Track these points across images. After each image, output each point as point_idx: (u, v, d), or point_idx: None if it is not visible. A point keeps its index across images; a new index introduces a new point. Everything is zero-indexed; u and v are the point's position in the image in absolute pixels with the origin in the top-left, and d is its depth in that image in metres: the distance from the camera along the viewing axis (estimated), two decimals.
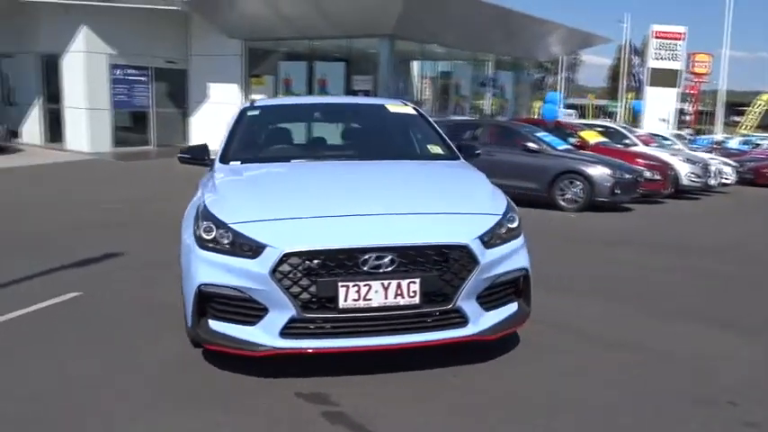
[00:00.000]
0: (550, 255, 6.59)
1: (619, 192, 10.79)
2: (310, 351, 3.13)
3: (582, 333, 4.16)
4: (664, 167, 13.03)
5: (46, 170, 14.09)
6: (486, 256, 3.26)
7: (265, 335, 3.11)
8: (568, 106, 49.54)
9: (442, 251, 3.16)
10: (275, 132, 4.86)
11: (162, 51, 17.95)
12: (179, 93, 18.85)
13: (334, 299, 3.04)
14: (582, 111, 52.32)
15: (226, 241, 3.17)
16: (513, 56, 20.46)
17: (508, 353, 3.69)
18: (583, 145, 13.20)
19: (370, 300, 3.05)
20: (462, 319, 3.27)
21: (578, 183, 10.79)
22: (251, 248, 3.08)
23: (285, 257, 3.02)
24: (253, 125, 4.78)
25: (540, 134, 11.84)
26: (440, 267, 3.15)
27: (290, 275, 3.02)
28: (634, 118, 36.58)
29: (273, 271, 3.01)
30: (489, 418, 2.95)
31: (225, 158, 4.27)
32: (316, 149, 4.56)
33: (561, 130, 13.94)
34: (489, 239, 3.33)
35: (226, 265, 3.13)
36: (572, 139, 13.39)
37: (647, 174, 12.37)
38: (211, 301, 3.22)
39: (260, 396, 3.12)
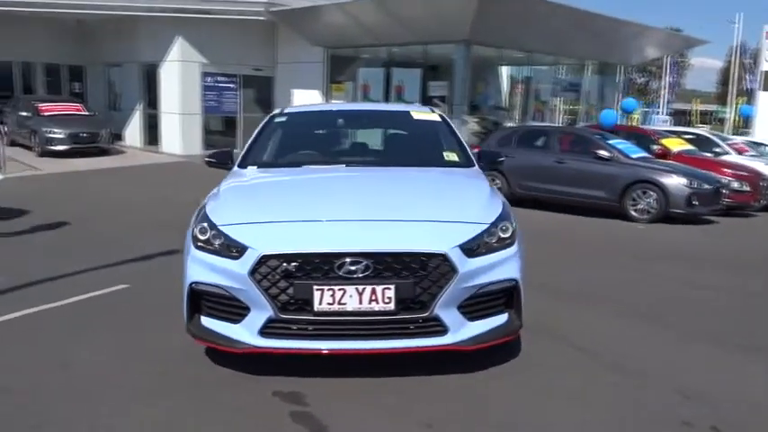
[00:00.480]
0: (587, 264, 6.39)
1: (696, 203, 10.20)
2: (287, 351, 3.25)
3: (585, 351, 4.03)
4: (755, 178, 12.17)
5: (139, 171, 15.12)
6: (467, 265, 3.26)
7: (247, 333, 3.27)
8: (675, 113, 47.02)
9: (420, 259, 3.19)
10: (297, 138, 5.03)
11: (250, 59, 18.77)
12: (265, 98, 19.60)
13: (310, 302, 3.14)
14: (688, 117, 49.49)
15: (217, 242, 3.36)
16: (599, 60, 19.75)
17: (499, 366, 3.66)
18: (664, 153, 12.59)
19: (344, 304, 3.14)
20: (441, 328, 3.28)
21: (651, 193, 10.30)
22: (235, 249, 3.25)
23: (264, 259, 3.16)
24: (278, 131, 4.99)
25: (613, 141, 11.40)
26: (417, 275, 3.18)
27: (269, 277, 3.16)
28: (745, 124, 34.18)
29: (252, 272, 3.16)
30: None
31: (244, 163, 4.49)
32: (331, 155, 4.70)
33: (644, 138, 13.37)
34: (473, 248, 3.32)
35: (214, 265, 3.32)
36: (655, 147, 12.81)
37: (735, 184, 11.64)
38: (203, 299, 3.42)
39: (239, 391, 3.29)
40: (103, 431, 2.92)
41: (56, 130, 16.17)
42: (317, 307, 3.15)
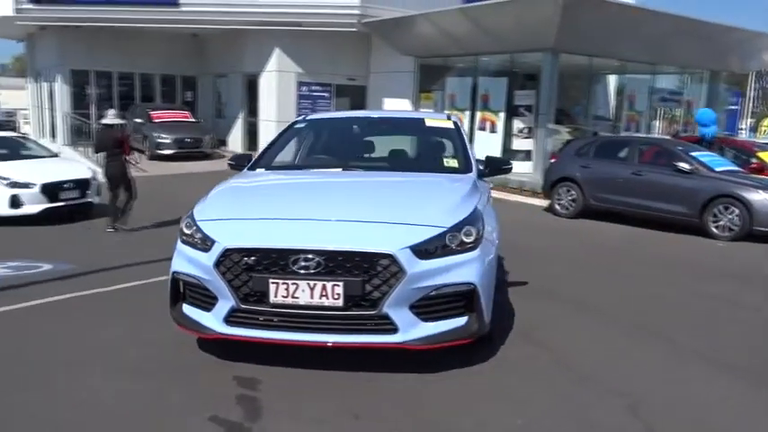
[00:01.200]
0: (639, 281, 6.14)
1: None
2: (247, 339, 3.48)
3: (560, 363, 3.93)
4: None
5: None
6: (418, 266, 3.34)
7: (215, 321, 3.54)
8: None
9: (370, 258, 3.32)
10: (310, 143, 5.28)
11: (343, 69, 19.43)
12: (358, 107, 20.16)
13: (267, 294, 3.36)
14: None
15: (197, 236, 3.66)
16: (705, 68, 18.56)
17: (466, 367, 3.68)
18: (760, 167, 11.70)
19: (297, 298, 3.33)
20: (391, 326, 3.38)
21: (734, 209, 9.62)
22: (207, 243, 3.53)
23: (227, 252, 3.42)
24: (294, 136, 5.27)
25: (697, 153, 10.74)
26: (366, 274, 3.31)
27: (232, 269, 3.41)
28: None
29: (217, 264, 3.43)
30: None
31: (254, 165, 4.80)
32: (336, 160, 4.89)
33: (742, 151, 12.51)
34: (426, 250, 3.40)
35: (191, 257, 3.62)
36: (752, 161, 11.96)
37: None
38: (185, 288, 3.73)
39: (209, 373, 3.56)
40: (87, 393, 3.29)
41: (164, 136, 17.59)
42: (272, 299, 3.36)
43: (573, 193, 11.28)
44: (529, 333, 4.35)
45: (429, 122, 5.17)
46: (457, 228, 3.55)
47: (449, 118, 5.19)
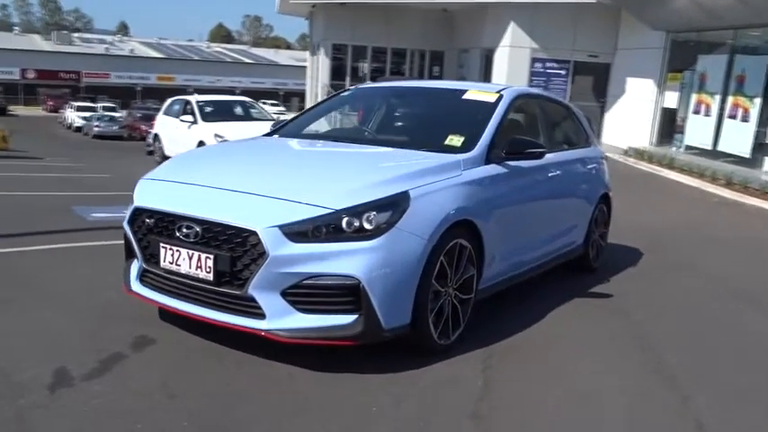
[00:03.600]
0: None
1: None
2: (147, 300, 3.43)
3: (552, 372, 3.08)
4: None
5: None
6: (285, 248, 2.95)
7: (133, 278, 3.58)
8: None
9: (240, 234, 3.03)
10: (344, 113, 4.96)
11: (585, 45, 17.91)
12: (598, 86, 18.49)
13: (158, 258, 3.29)
14: None
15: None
16: None
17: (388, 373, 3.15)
18: None
19: (179, 266, 3.19)
20: (259, 311, 3.06)
21: None
22: (131, 200, 3.56)
23: (136, 212, 3.41)
24: (339, 105, 5.01)
25: None
26: (235, 250, 3.04)
27: (140, 229, 3.40)
28: None
29: (130, 222, 3.45)
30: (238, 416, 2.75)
31: (276, 131, 4.69)
32: (344, 133, 4.51)
33: None
34: (302, 232, 2.98)
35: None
36: None
37: None
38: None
39: (131, 324, 3.56)
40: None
41: None
42: (162, 263, 3.27)
43: None
44: None
45: (468, 95, 4.46)
46: (355, 211, 3.02)
47: (498, 92, 4.41)
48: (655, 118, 16.61)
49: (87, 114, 37.14)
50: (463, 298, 3.59)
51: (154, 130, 14.95)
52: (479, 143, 3.90)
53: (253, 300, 3.04)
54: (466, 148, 3.87)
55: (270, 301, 3.02)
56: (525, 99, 4.80)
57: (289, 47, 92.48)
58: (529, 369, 3.40)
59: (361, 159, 3.80)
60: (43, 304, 3.87)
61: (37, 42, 63.67)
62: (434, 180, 3.41)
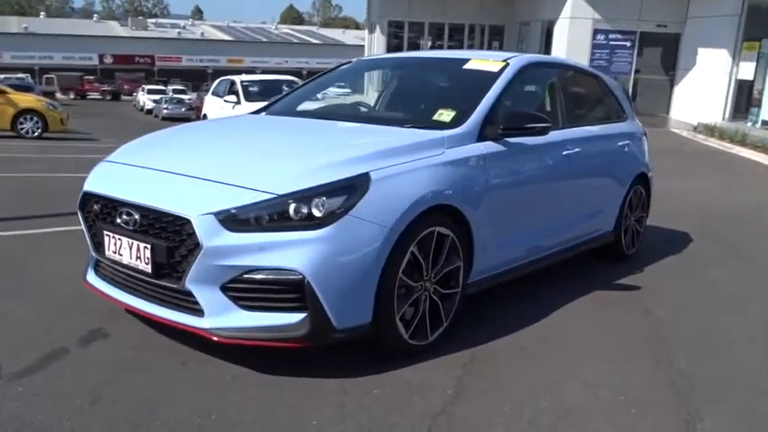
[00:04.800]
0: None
1: None
2: (99, 294, 3.19)
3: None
4: None
5: None
6: (221, 238, 2.62)
7: (91, 267, 3.35)
8: None
9: (175, 222, 2.73)
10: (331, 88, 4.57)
11: (653, 14, 16.70)
12: (667, 59, 17.26)
13: (103, 246, 3.04)
14: None
15: None
16: None
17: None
18: None
19: (121, 255, 2.94)
20: (198, 307, 2.76)
21: None
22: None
23: (86, 197, 3.16)
24: (332, 78, 4.62)
25: None
26: (172, 239, 2.74)
27: (89, 215, 3.15)
28: None
29: (81, 207, 3.20)
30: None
31: (265, 108, 4.37)
32: (333, 108, 4.11)
33: None
34: (239, 220, 2.64)
35: None
36: None
37: None
38: None
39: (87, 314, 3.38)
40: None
41: None
42: (107, 253, 3.02)
43: None
44: None
45: (470, 65, 3.97)
46: (302, 196, 2.66)
47: (505, 61, 3.91)
48: (728, 91, 15.35)
49: (157, 97, 38.15)
50: (445, 293, 3.18)
51: (203, 111, 15.01)
52: (470, 119, 3.45)
53: (189, 294, 2.74)
54: (455, 123, 3.43)
55: (208, 296, 2.72)
56: (539, 68, 4.29)
57: (358, 27, 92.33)
58: (514, 376, 2.97)
59: (327, 138, 3.42)
60: (13, 293, 3.73)
61: (114, 29, 66.04)
62: (406, 160, 3.00)
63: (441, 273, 3.13)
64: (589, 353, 3.27)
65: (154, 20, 73.97)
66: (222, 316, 2.72)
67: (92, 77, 52.17)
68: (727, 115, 15.38)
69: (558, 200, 4.09)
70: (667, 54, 17.22)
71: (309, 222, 2.65)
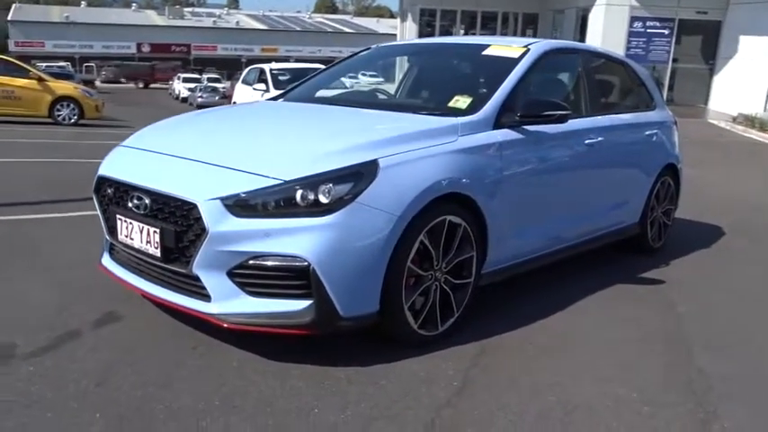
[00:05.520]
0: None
1: None
2: (115, 278, 3.21)
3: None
4: None
5: None
6: (227, 224, 2.61)
7: (106, 252, 3.39)
8: None
9: (182, 207, 2.73)
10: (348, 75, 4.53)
11: (693, 1, 16.19)
12: (707, 47, 16.76)
13: (116, 230, 3.07)
14: None
15: None
16: None
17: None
18: None
19: (133, 240, 2.95)
20: (204, 292, 2.76)
21: None
22: None
23: (100, 180, 3.19)
24: (352, 65, 4.58)
25: None
26: (180, 224, 2.75)
27: (104, 199, 3.18)
28: None
29: (96, 191, 3.23)
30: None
31: (283, 95, 4.35)
32: (351, 95, 4.08)
33: None
34: (246, 205, 2.63)
35: None
36: None
37: None
38: None
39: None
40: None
41: None
42: (119, 237, 3.04)
43: None
44: None
45: (489, 51, 3.87)
46: (308, 182, 2.63)
47: (525, 47, 3.81)
48: None
49: (192, 85, 38.60)
50: (457, 283, 3.13)
51: (233, 99, 15.12)
52: (487, 105, 3.37)
53: (197, 279, 2.75)
54: (471, 110, 3.35)
55: (216, 281, 2.72)
56: (562, 54, 4.17)
57: (392, 16, 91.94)
58: (523, 370, 2.90)
59: (339, 124, 3.38)
60: (31, 275, 3.80)
61: (152, 18, 67.00)
62: (416, 147, 2.95)
63: (452, 262, 3.07)
64: (604, 349, 3.18)
65: (190, 9, 74.78)
66: (229, 301, 2.71)
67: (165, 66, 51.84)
68: None
69: (578, 190, 3.99)
70: (707, 42, 16.72)
71: (316, 209, 2.62)
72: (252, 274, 2.68)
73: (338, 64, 4.65)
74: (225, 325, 2.71)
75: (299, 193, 2.61)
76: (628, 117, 4.58)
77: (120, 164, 3.18)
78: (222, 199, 2.63)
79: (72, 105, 14.33)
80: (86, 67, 46.84)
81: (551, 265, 3.95)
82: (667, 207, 5.10)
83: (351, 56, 4.68)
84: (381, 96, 4.08)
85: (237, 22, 67.31)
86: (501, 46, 3.94)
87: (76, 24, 58.14)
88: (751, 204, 7.07)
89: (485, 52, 3.91)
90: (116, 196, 3.06)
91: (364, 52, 4.66)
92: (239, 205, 2.62)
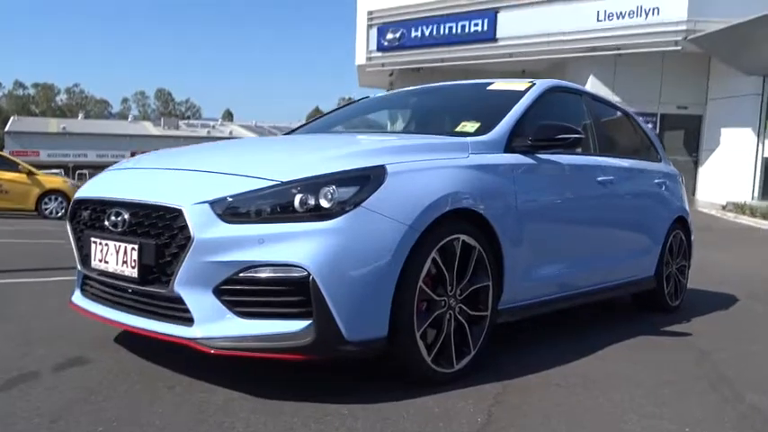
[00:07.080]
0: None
1: None
2: (87, 314, 2.83)
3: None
4: None
5: None
6: (215, 230, 2.30)
7: (77, 287, 3.03)
8: None
9: (164, 215, 2.42)
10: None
11: (673, 96, 16.73)
12: (690, 140, 17.11)
13: (89, 256, 2.73)
14: None
15: None
16: None
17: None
18: None
19: (107, 263, 2.62)
20: (186, 314, 2.39)
21: None
22: None
23: (76, 204, 2.89)
24: (350, 112, 4.46)
25: None
26: (161, 236, 2.43)
27: (79, 225, 2.87)
28: None
29: (70, 218, 2.92)
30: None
31: (296, 129, 4.23)
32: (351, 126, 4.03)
33: None
34: (237, 211, 2.33)
35: None
36: None
37: None
38: None
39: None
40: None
41: None
42: (93, 263, 2.70)
43: None
44: None
45: (494, 87, 3.76)
46: (308, 184, 2.35)
47: (531, 82, 3.70)
48: (756, 169, 15.02)
49: None
50: (472, 315, 2.78)
51: None
52: (497, 128, 3.18)
53: (178, 299, 2.38)
54: (480, 133, 3.15)
55: (199, 300, 2.36)
56: (567, 93, 4.05)
57: None
58: (554, 408, 2.50)
59: (343, 139, 3.16)
60: None
61: (147, 128, 68.69)
62: (427, 158, 2.71)
63: (467, 289, 2.74)
64: (640, 389, 2.79)
65: (185, 121, 76.93)
66: (214, 323, 2.35)
67: None
68: (756, 193, 14.99)
69: (593, 230, 3.74)
70: (690, 135, 17.10)
71: (316, 214, 2.32)
72: (241, 291, 2.33)
73: (337, 110, 4.51)
74: (212, 351, 2.33)
75: (297, 197, 2.33)
76: (637, 162, 4.41)
77: (99, 185, 2.91)
78: (210, 203, 2.33)
79: (60, 198, 14.13)
80: (79, 174, 47.27)
81: (566, 312, 3.62)
82: (681, 263, 4.82)
83: (349, 103, 4.56)
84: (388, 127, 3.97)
85: (231, 132, 69.07)
86: (506, 82, 3.83)
87: (72, 134, 59.32)
88: (761, 278, 6.80)
89: (489, 88, 3.79)
90: (91, 218, 2.75)
91: (363, 100, 4.55)
92: (229, 209, 2.33)
